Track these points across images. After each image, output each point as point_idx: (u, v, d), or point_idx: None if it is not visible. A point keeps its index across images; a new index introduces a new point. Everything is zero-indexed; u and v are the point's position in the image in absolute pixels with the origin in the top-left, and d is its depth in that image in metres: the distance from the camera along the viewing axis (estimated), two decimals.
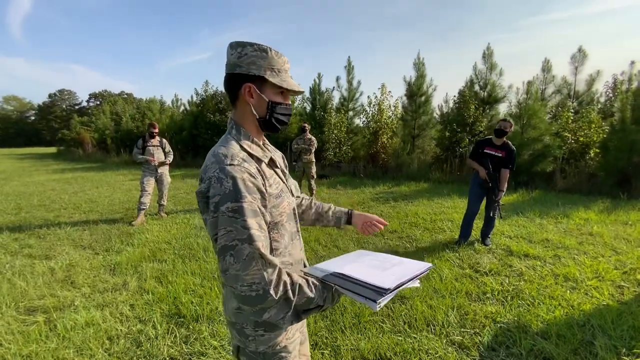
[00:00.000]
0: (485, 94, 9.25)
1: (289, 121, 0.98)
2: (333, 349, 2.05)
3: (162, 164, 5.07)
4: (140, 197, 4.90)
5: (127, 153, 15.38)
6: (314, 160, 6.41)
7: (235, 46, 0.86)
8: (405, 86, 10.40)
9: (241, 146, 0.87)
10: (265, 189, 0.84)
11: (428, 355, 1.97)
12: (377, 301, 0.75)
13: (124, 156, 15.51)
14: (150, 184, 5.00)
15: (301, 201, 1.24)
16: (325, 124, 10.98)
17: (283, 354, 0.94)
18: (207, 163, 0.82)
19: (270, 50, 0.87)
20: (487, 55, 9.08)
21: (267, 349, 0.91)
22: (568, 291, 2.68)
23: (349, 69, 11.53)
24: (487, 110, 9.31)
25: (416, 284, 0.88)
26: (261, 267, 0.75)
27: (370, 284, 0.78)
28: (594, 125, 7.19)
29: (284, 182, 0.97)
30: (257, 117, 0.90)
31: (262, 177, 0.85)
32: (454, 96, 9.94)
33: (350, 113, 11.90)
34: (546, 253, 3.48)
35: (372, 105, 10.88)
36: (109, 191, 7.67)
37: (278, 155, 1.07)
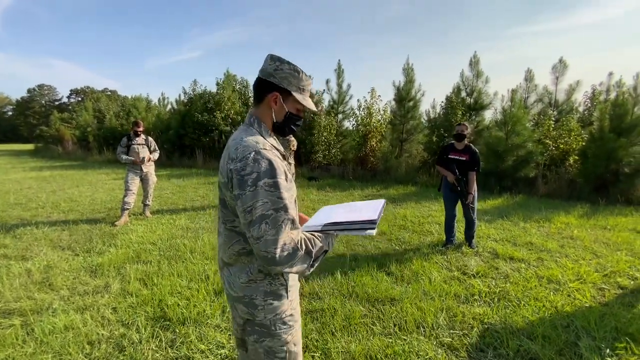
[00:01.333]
0: (472, 100, 9.48)
1: (297, 130, 1.17)
2: (324, 352, 2.02)
3: (142, 162, 4.88)
4: (124, 196, 4.75)
5: (111, 151, 14.92)
6: (292, 162, 6.37)
7: (275, 59, 1.03)
8: (394, 91, 10.54)
9: (264, 137, 1.02)
10: (287, 173, 0.99)
11: (418, 357, 1.97)
12: (374, 228, 0.97)
13: (107, 154, 15.03)
14: (135, 183, 4.85)
15: None
16: (315, 126, 10.98)
17: (291, 323, 1.07)
18: (238, 147, 0.94)
19: (302, 73, 1.05)
20: (474, 63, 9.32)
21: (275, 316, 1.03)
22: (551, 293, 2.75)
23: (339, 72, 11.60)
24: (474, 117, 9.54)
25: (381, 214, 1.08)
26: (290, 230, 0.91)
27: (360, 221, 0.99)
28: (573, 133, 7.48)
29: (292, 174, 1.10)
30: (275, 120, 1.06)
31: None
32: (442, 102, 10.14)
33: (340, 116, 11.95)
34: (530, 256, 3.57)
35: (361, 109, 10.98)
36: (90, 190, 7.40)
37: (286, 153, 1.27)
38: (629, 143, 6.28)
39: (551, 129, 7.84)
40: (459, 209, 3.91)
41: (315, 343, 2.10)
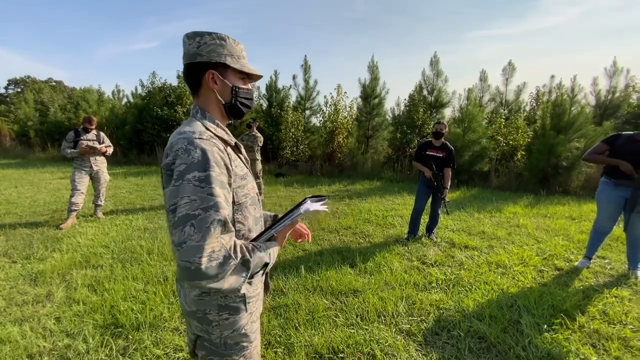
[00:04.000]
0: (433, 98, 9.94)
1: (252, 105, 1.02)
2: (287, 347, 2.02)
3: (93, 149, 4.44)
4: (71, 196, 4.36)
5: (56, 148, 13.61)
6: (258, 157, 6.27)
7: (192, 36, 0.89)
8: (360, 88, 10.75)
9: (207, 128, 0.89)
10: (231, 168, 0.86)
11: (379, 345, 2.04)
12: (306, 203, 0.91)
13: (52, 151, 13.68)
14: (83, 182, 4.47)
15: None
16: (282, 122, 10.87)
17: (245, 344, 0.95)
18: (173, 140, 0.82)
19: (229, 38, 0.91)
20: (434, 63, 9.75)
21: (232, 333, 0.92)
22: (499, 277, 2.98)
23: (306, 67, 11.55)
24: (434, 114, 10.01)
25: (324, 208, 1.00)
26: (220, 234, 0.74)
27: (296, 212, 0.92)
28: (520, 131, 8.14)
29: (248, 168, 0.99)
30: (223, 102, 0.94)
31: (228, 157, 0.87)
32: (405, 99, 10.51)
33: (307, 112, 11.94)
34: (482, 244, 3.84)
35: (328, 105, 11.05)
36: (31, 191, 6.70)
37: (241, 145, 1.12)
38: (567, 139, 6.96)
39: (502, 126, 8.47)
40: (429, 204, 4.09)
41: (279, 339, 2.09)
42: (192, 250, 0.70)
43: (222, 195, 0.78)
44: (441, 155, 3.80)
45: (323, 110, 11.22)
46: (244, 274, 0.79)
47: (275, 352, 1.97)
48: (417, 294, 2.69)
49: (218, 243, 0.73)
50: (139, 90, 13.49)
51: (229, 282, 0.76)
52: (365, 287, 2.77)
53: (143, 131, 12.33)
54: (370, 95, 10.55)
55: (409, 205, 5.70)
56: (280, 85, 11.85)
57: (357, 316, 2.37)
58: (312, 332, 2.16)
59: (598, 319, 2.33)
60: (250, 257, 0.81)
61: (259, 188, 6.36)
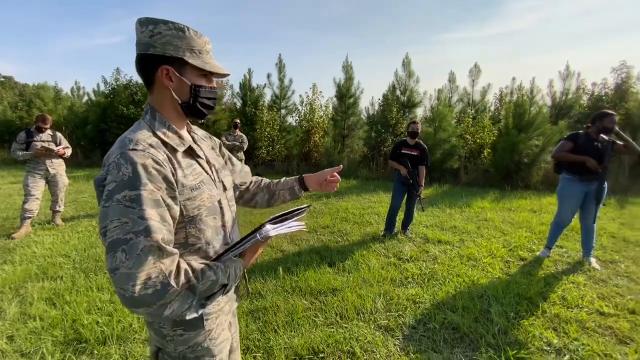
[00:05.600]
0: (405, 98, 10.21)
1: (215, 105, 0.92)
2: (266, 351, 1.98)
3: (50, 151, 4.08)
4: (24, 202, 4.00)
5: (6, 150, 12.47)
6: (244, 157, 6.17)
7: (145, 23, 0.78)
8: (335, 88, 10.82)
9: (154, 132, 0.80)
10: (176, 179, 0.77)
11: (358, 342, 2.06)
12: (264, 227, 0.82)
13: (1, 153, 12.53)
14: (38, 186, 4.12)
15: (248, 185, 1.21)
16: (257, 121, 10.70)
17: (207, 358, 0.88)
18: (112, 149, 0.75)
19: (188, 30, 0.80)
20: (406, 64, 10.03)
21: (187, 350, 0.85)
22: (470, 269, 3.12)
23: (280, 66, 11.44)
24: (407, 114, 10.30)
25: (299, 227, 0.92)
26: (157, 259, 0.67)
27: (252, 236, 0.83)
28: (486, 130, 8.58)
29: (208, 173, 0.90)
30: (180, 101, 0.83)
31: (174, 167, 0.78)
32: (379, 99, 10.72)
33: (283, 111, 11.84)
34: (454, 238, 4.00)
35: (304, 105, 11.03)
36: None
37: (206, 145, 1.00)
38: (527, 138, 7.43)
39: (470, 125, 8.88)
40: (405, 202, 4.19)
41: (257, 343, 2.05)
42: (124, 278, 0.64)
43: (156, 217, 0.69)
44: (416, 153, 3.91)
45: (299, 110, 11.20)
46: (189, 300, 0.72)
47: (254, 357, 1.93)
48: (395, 289, 2.74)
49: (155, 269, 0.66)
50: (102, 88, 12.70)
51: (170, 309, 0.69)
52: (344, 286, 2.79)
53: (107, 131, 11.62)
54: (345, 94, 10.65)
55: (385, 203, 5.82)
56: (254, 84, 11.65)
57: (336, 315, 2.37)
58: (292, 334, 2.14)
59: (558, 304, 2.50)
60: (198, 281, 0.73)
61: None
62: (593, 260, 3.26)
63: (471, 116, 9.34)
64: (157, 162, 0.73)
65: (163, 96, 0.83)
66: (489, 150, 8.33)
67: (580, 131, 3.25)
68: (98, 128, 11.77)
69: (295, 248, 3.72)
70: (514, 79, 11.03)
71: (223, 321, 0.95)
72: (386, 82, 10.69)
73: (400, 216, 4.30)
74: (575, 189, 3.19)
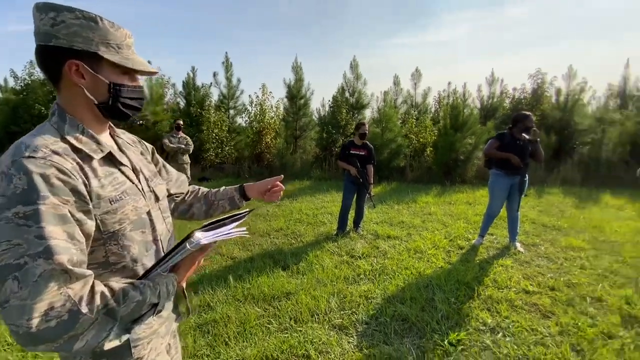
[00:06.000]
0: (354, 100, 10.54)
1: (142, 106, 0.82)
2: None
3: None
4: None
5: None
6: (190, 161, 5.83)
7: (44, 9, 0.67)
8: (285, 88, 10.76)
9: (63, 137, 0.69)
10: (90, 191, 0.67)
11: (313, 345, 2.06)
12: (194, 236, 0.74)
13: None
14: None
15: (184, 196, 1.11)
16: (204, 122, 10.16)
17: None
18: (2, 156, 0.64)
19: (102, 20, 0.70)
20: (354, 66, 10.36)
21: None
22: (417, 261, 3.32)
23: (227, 65, 11.02)
24: (356, 115, 10.64)
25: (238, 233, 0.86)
26: (63, 284, 0.57)
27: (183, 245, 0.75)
28: (428, 130, 9.25)
29: (134, 182, 0.80)
30: (96, 102, 0.73)
31: (86, 176, 0.68)
32: (329, 100, 10.92)
33: (232, 111, 11.42)
34: (402, 233, 4.23)
35: (254, 105, 10.77)
36: None
37: (134, 151, 0.89)
38: (462, 137, 8.18)
39: (413, 126, 9.49)
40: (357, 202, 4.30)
41: (206, 359, 1.93)
42: (16, 312, 0.54)
43: (61, 235, 0.59)
44: (363, 153, 4.06)
45: (248, 110, 10.90)
46: (108, 327, 0.63)
47: None
48: (348, 287, 2.80)
49: (60, 296, 0.56)
50: (12, 83, 10.95)
51: (83, 341, 0.59)
52: (298, 288, 2.77)
53: (19, 133, 10.02)
54: (295, 95, 10.64)
55: (337, 202, 5.92)
56: (199, 83, 11.05)
57: (290, 319, 2.34)
58: (244, 344, 2.06)
59: (490, 286, 2.78)
60: (119, 304, 0.64)
61: None
62: (518, 244, 3.70)
63: (414, 117, 10.00)
64: (62, 172, 0.62)
65: (73, 95, 0.72)
66: (431, 149, 8.98)
67: (506, 131, 3.66)
68: (7, 130, 10.12)
69: (248, 254, 3.60)
70: (449, 83, 12.05)
71: (158, 345, 0.86)
72: (336, 84, 10.95)
73: (352, 214, 4.42)
74: (503, 183, 3.59)
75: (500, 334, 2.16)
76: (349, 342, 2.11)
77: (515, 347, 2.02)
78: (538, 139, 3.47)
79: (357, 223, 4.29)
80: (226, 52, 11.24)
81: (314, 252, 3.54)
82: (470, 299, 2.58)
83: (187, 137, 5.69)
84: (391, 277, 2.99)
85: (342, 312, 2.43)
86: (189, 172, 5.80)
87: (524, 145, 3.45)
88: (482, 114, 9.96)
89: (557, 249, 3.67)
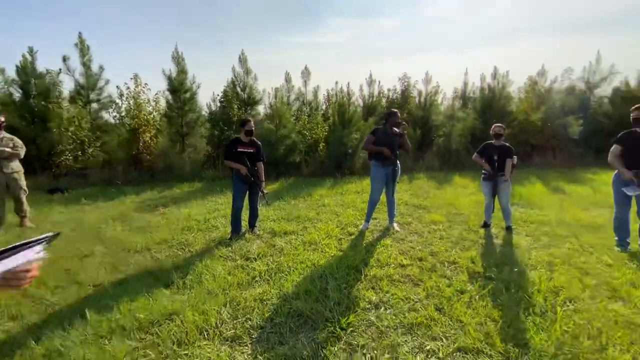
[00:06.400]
0: (246, 95, 10.16)
1: None
2: None
3: None
4: None
5: None
6: (22, 168, 4.46)
7: None
8: (166, 80, 9.49)
9: None
10: None
11: None
12: None
13: None
14: None
15: None
16: (53, 119, 8.02)
17: None
18: None
19: None
20: (243, 60, 9.95)
21: None
22: (312, 253, 3.40)
23: (83, 48, 8.96)
24: (249, 111, 10.30)
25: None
26: None
27: None
28: (319, 126, 9.73)
29: None
30: None
31: None
32: (218, 95, 10.22)
33: (95, 105, 9.39)
34: (298, 227, 4.29)
35: (125, 98, 9.10)
36: None
37: None
38: (350, 132, 8.95)
39: (306, 122, 9.83)
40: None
41: None
42: None
43: None
44: (252, 150, 3.90)
45: (118, 104, 9.15)
46: None
47: None
48: (242, 293, 2.62)
49: None
50: None
51: None
52: (183, 306, 2.43)
53: None
54: (179, 88, 9.52)
55: (231, 204, 5.59)
56: (42, 68, 8.62)
57: (173, 344, 2.02)
58: None
59: (375, 266, 3.08)
60: None
61: (20, 212, 4.45)
62: (395, 225, 4.24)
63: (306, 114, 10.37)
64: None
65: None
66: (324, 144, 9.50)
67: (380, 126, 4.10)
68: None
69: (116, 277, 2.98)
70: (337, 82, 13.01)
71: None
72: (227, 78, 10.30)
73: (247, 215, 4.21)
74: (380, 172, 4.03)
75: (382, 308, 2.39)
76: (242, 353, 1.96)
77: (394, 317, 2.27)
78: (404, 132, 4.02)
79: (252, 223, 4.12)
80: (80, 33, 9.02)
81: (204, 262, 3.20)
82: (359, 281, 2.79)
83: (15, 137, 4.34)
84: (287, 273, 2.96)
85: (235, 322, 2.25)
86: (22, 183, 4.44)
87: (394, 138, 3.95)
88: (365, 112, 11.11)
89: (423, 224, 4.38)
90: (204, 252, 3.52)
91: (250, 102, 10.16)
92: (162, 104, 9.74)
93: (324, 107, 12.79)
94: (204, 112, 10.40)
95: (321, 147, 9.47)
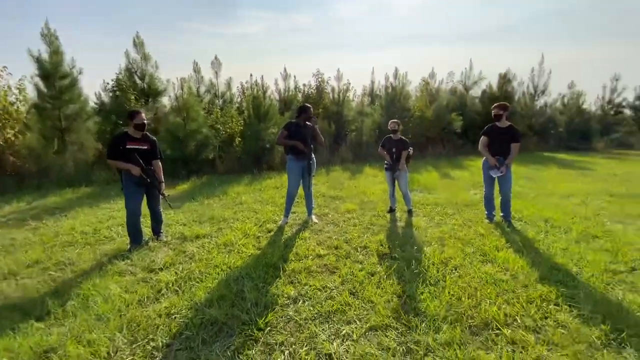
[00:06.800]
0: (145, 85, 8.94)
1: None
2: None
3: None
4: None
5: None
6: None
7: None
8: (35, 63, 7.61)
9: None
10: None
11: None
12: None
13: None
14: None
15: None
16: None
17: None
18: None
19: None
20: (139, 45, 8.71)
21: None
22: (227, 255, 3.21)
23: None
24: (151, 102, 9.11)
25: None
26: None
27: None
28: (234, 120, 9.26)
29: None
30: None
31: None
32: (109, 83, 8.73)
33: None
34: (212, 229, 3.99)
35: None
36: None
37: None
38: (266, 127, 8.77)
39: (219, 116, 9.22)
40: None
41: None
42: None
43: None
44: (146, 147, 3.40)
45: None
46: None
47: None
48: (144, 310, 2.29)
49: None
50: None
51: None
52: (64, 339, 1.99)
53: None
54: (53, 74, 7.77)
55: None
56: None
57: None
58: None
59: (294, 260, 3.09)
60: None
61: None
62: (314, 217, 4.34)
63: (219, 107, 9.73)
64: None
65: None
66: (240, 139, 9.09)
67: (293, 120, 4.10)
68: None
69: None
70: (251, 75, 12.56)
71: None
72: (120, 64, 8.82)
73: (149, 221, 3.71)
74: (296, 166, 4.04)
75: (301, 301, 2.41)
76: None
77: (312, 308, 2.31)
78: (316, 125, 4.12)
79: (156, 230, 3.65)
80: None
81: (93, 281, 2.69)
82: (277, 278, 2.74)
83: None
84: (199, 281, 2.71)
85: (133, 347, 1.94)
86: None
87: (307, 131, 4.00)
88: (281, 106, 11.05)
89: (339, 214, 4.61)
90: (93, 269, 2.96)
91: (152, 93, 9.00)
92: (30, 92, 7.82)
93: (238, 100, 12.24)
94: (92, 103, 8.77)
95: (237, 142, 9.05)
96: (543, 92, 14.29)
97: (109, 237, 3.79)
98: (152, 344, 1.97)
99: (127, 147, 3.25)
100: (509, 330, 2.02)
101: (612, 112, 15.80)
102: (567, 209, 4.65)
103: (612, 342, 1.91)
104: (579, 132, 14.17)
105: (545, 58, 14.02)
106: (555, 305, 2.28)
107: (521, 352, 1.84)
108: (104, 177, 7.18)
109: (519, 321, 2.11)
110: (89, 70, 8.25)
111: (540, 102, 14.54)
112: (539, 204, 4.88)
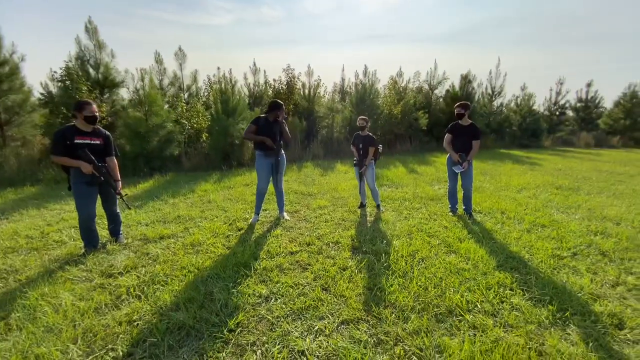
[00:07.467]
0: (100, 75, 8.27)
1: None
2: None
3: None
4: None
5: None
6: None
7: None
8: None
9: None
10: None
11: None
12: None
13: None
14: None
15: None
16: None
17: None
18: None
19: None
20: (92, 31, 8.01)
21: None
22: (194, 256, 3.07)
23: None
24: (108, 95, 8.46)
25: None
26: None
27: None
28: (201, 114, 8.89)
29: None
30: None
31: None
32: (56, 72, 7.97)
33: None
34: (178, 229, 3.80)
35: None
36: None
37: None
38: (235, 122, 8.50)
39: (184, 110, 8.79)
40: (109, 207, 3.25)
41: None
42: None
43: None
44: (98, 142, 3.10)
45: None
46: None
47: None
48: (101, 319, 2.13)
49: None
50: None
51: None
52: (7, 355, 1.79)
53: None
54: None
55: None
56: None
57: None
58: None
59: (265, 258, 3.03)
60: None
61: None
62: (285, 214, 4.29)
63: (184, 101, 9.27)
64: None
65: None
66: (207, 135, 8.74)
67: (262, 115, 4.00)
68: None
69: None
70: (219, 68, 12.13)
71: None
72: (69, 52, 8.05)
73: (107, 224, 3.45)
74: (264, 162, 3.96)
75: (273, 299, 2.37)
76: None
77: (284, 305, 2.28)
78: (284, 121, 4.05)
79: (115, 232, 3.40)
80: None
81: (41, 290, 2.44)
82: (248, 277, 2.68)
83: None
84: (164, 284, 2.57)
85: (89, 358, 1.80)
86: None
87: (275, 127, 3.93)
88: (251, 101, 10.78)
89: (311, 210, 4.60)
90: (41, 277, 2.69)
91: (107, 84, 8.35)
92: None
93: (205, 93, 11.76)
94: (37, 94, 7.96)
95: (204, 138, 8.70)
96: (499, 93, 15.32)
97: (60, 240, 3.47)
98: (111, 354, 1.83)
99: (76, 142, 2.95)
100: (471, 316, 2.14)
101: (557, 113, 17.38)
102: (520, 201, 5.03)
103: (558, 321, 2.10)
104: (530, 130, 15.40)
105: (501, 61, 15.05)
106: (510, 290, 2.46)
107: (481, 336, 1.96)
108: (52, 175, 6.54)
109: (479, 307, 2.24)
110: (36, 58, 7.47)
111: (497, 103, 15.59)
112: (496, 197, 5.22)
